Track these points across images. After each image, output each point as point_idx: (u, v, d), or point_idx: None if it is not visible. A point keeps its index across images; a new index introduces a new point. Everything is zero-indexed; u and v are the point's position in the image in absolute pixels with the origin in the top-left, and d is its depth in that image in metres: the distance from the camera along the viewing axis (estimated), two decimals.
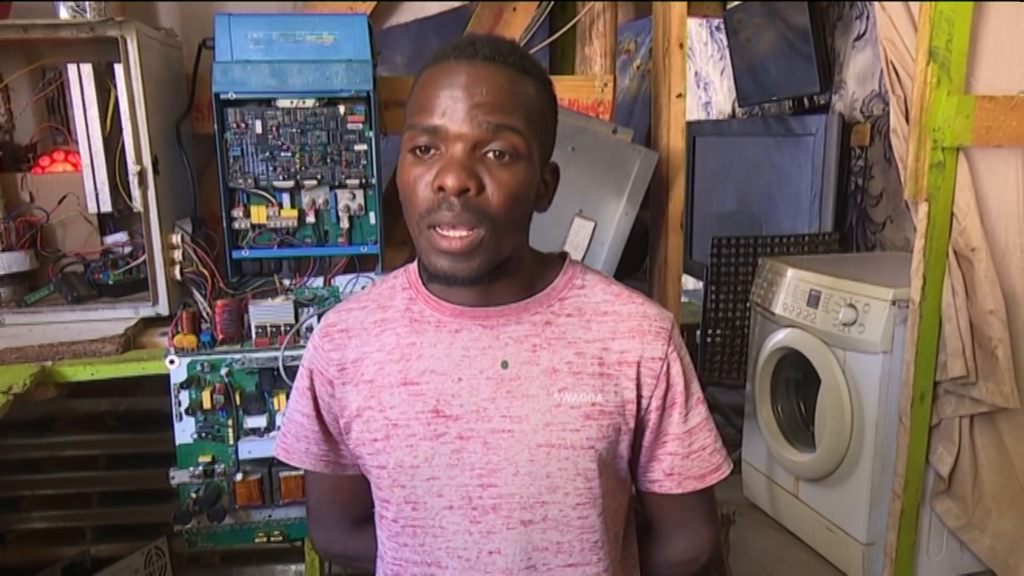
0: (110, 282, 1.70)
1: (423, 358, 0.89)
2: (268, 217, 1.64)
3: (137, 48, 1.53)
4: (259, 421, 1.54)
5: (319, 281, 1.69)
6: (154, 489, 1.84)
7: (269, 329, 1.53)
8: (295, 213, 1.65)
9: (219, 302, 1.54)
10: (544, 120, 0.87)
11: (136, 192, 1.59)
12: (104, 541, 1.95)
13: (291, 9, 1.99)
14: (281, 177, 1.63)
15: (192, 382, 1.50)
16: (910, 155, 1.79)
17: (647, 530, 1.02)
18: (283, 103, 1.60)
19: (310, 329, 1.53)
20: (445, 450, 0.87)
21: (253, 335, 1.53)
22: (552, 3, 2.06)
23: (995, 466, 1.93)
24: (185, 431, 1.52)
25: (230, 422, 1.52)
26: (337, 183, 1.65)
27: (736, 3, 3.51)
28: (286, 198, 1.66)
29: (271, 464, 1.55)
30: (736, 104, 3.79)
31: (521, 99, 0.82)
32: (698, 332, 3.04)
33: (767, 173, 3.27)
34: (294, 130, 1.61)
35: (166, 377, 1.50)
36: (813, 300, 2.22)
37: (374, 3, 1.95)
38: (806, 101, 3.24)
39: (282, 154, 1.62)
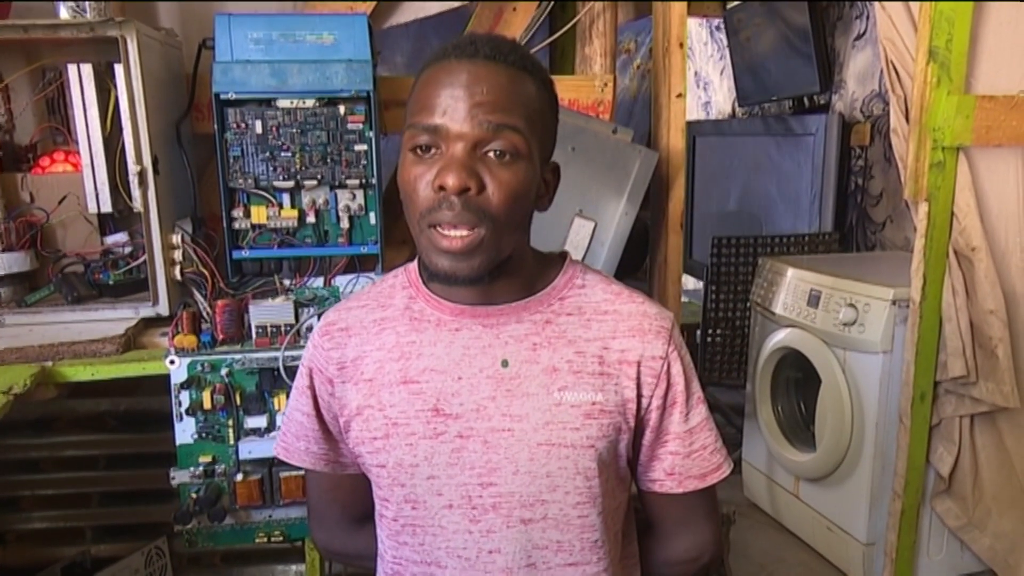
0: (110, 282, 1.70)
1: (423, 356, 0.89)
2: (268, 217, 1.64)
3: (137, 48, 1.53)
4: (259, 421, 1.54)
5: (319, 281, 1.69)
6: (154, 489, 1.84)
7: (269, 329, 1.53)
8: (295, 213, 1.65)
9: (219, 302, 1.54)
10: (545, 119, 0.87)
11: (136, 192, 1.59)
12: (104, 541, 1.95)
13: (291, 9, 1.99)
14: (281, 177, 1.63)
15: (192, 382, 1.50)
16: (910, 155, 1.79)
17: (648, 530, 1.02)
18: (283, 103, 1.60)
19: (310, 329, 1.53)
20: (445, 449, 0.87)
21: (253, 335, 1.53)
22: (552, 3, 2.06)
23: (995, 466, 1.93)
24: (185, 431, 1.52)
25: (230, 422, 1.52)
26: (337, 183, 1.65)
27: (736, 3, 3.51)
28: (286, 198, 1.66)
29: (271, 464, 1.55)
30: (736, 104, 3.79)
31: (522, 98, 0.82)
32: (698, 332, 3.04)
33: (767, 173, 3.27)
34: (294, 130, 1.61)
35: (166, 377, 1.50)
36: (813, 300, 2.22)
37: (374, 3, 1.95)
38: (806, 101, 3.24)
39: (282, 154, 1.62)
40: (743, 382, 2.72)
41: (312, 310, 1.57)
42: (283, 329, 1.53)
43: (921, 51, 1.72)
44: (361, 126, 1.63)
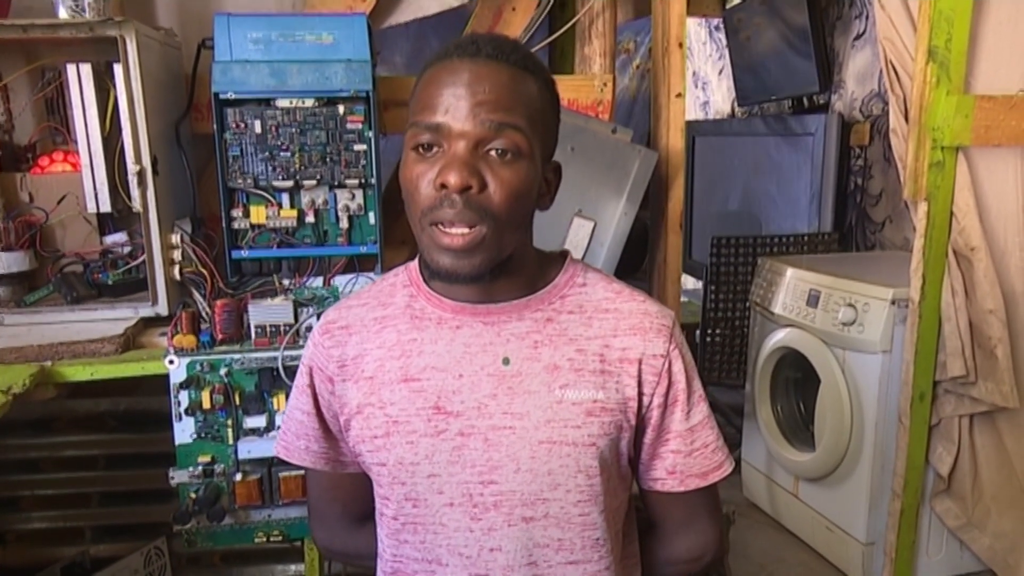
0: (110, 282, 1.70)
1: (424, 354, 0.89)
2: (267, 217, 1.64)
3: (136, 48, 1.53)
4: (259, 421, 1.54)
5: (318, 281, 1.69)
6: (154, 489, 1.84)
7: (268, 329, 1.53)
8: (294, 213, 1.65)
9: (218, 302, 1.54)
10: (546, 119, 0.87)
11: (135, 192, 1.59)
12: (104, 541, 1.94)
13: (291, 9, 1.99)
14: (280, 177, 1.62)
15: (191, 382, 1.50)
16: (909, 155, 1.79)
17: (650, 529, 1.02)
18: (282, 103, 1.60)
19: (309, 329, 1.53)
20: (446, 447, 0.87)
21: (252, 335, 1.53)
22: (552, 3, 2.06)
23: (995, 466, 1.93)
24: (185, 431, 1.51)
25: (229, 422, 1.52)
26: (336, 183, 1.65)
27: (736, 2, 3.51)
28: (285, 198, 1.66)
29: (271, 464, 1.55)
30: (735, 103, 3.80)
31: (523, 97, 0.82)
32: (698, 332, 3.04)
33: (767, 173, 3.27)
34: (293, 130, 1.61)
35: (166, 377, 1.50)
36: (813, 300, 2.22)
37: (374, 3, 1.95)
38: (805, 101, 3.24)
39: (281, 154, 1.62)
40: (742, 382, 2.72)
41: (311, 310, 1.57)
42: (282, 329, 1.53)
43: (920, 51, 1.73)
44: (360, 126, 1.62)
